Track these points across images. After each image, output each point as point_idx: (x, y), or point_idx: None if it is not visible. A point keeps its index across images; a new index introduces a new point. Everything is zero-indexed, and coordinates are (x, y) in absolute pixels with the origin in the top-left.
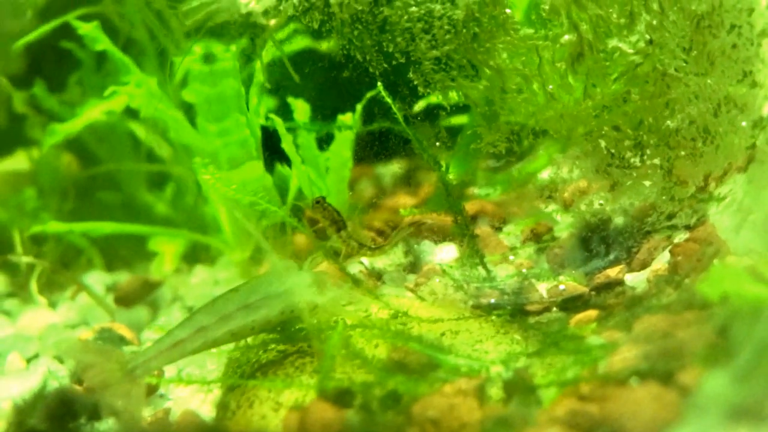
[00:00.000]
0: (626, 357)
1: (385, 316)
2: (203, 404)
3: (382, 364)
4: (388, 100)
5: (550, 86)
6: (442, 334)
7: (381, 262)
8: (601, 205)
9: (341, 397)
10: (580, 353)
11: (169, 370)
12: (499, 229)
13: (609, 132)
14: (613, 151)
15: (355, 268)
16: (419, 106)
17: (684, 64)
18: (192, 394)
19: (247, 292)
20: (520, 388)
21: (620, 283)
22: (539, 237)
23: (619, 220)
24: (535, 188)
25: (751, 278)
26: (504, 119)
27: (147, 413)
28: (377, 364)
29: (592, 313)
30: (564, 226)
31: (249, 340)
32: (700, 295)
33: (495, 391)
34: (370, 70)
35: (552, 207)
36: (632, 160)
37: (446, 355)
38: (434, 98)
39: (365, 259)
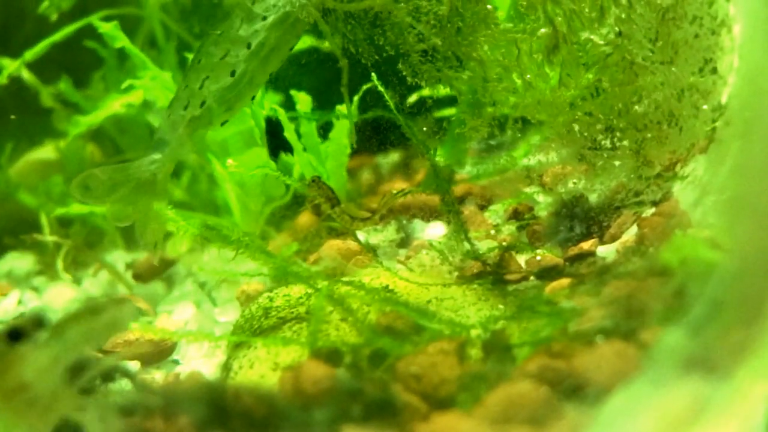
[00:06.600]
0: (594, 318)
1: (377, 284)
2: (210, 367)
3: (372, 327)
4: (381, 89)
5: (528, 76)
6: (428, 301)
7: (375, 238)
8: (575, 185)
9: (332, 357)
10: (553, 316)
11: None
12: (484, 209)
13: (583, 118)
14: (586, 135)
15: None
16: (413, 98)
17: (650, 54)
18: (203, 360)
19: None
20: (496, 347)
21: (592, 254)
22: (521, 215)
23: (592, 199)
24: (518, 172)
25: (707, 246)
26: (486, 107)
27: (159, 377)
28: (367, 327)
29: (565, 281)
30: (543, 205)
31: (253, 309)
32: (662, 261)
33: (474, 351)
34: (366, 63)
35: (533, 189)
36: (604, 143)
37: (431, 320)
38: (427, 91)
39: (361, 235)
